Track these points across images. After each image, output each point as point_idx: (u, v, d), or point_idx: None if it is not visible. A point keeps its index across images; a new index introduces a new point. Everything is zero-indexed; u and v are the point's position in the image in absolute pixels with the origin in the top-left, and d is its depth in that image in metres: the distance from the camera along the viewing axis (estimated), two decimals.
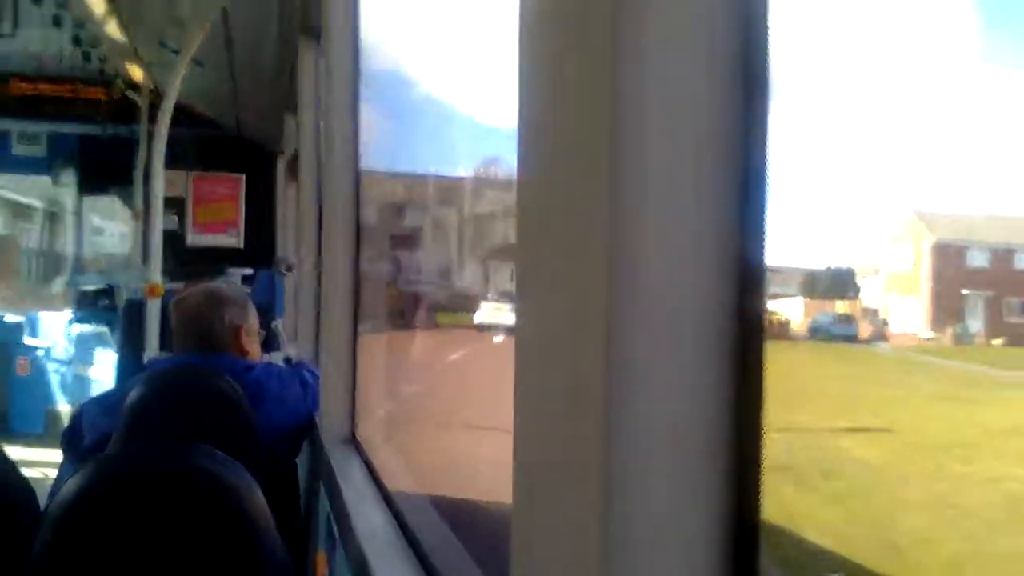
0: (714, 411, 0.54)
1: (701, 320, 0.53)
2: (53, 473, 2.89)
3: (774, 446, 0.55)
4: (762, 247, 0.55)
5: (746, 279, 0.55)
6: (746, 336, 0.55)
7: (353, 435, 2.20)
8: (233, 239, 6.74)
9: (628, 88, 0.52)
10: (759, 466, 0.55)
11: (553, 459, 0.58)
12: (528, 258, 0.64)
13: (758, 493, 0.55)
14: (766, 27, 0.55)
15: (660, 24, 0.52)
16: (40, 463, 5.55)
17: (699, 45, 0.53)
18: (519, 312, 0.65)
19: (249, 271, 5.71)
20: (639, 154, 0.52)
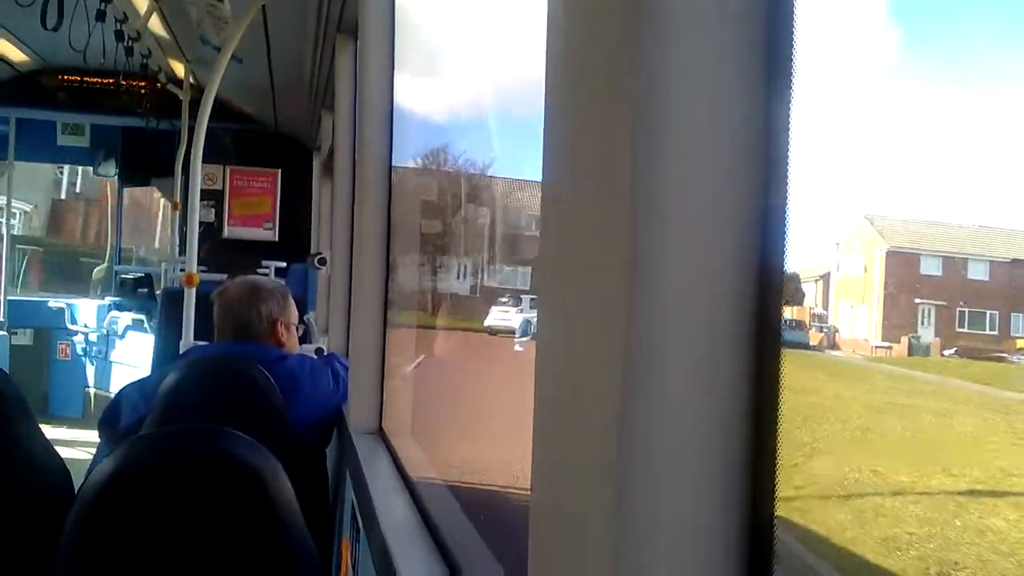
0: (731, 413, 0.56)
1: (719, 323, 0.55)
2: (88, 454, 2.97)
3: None
4: (782, 252, 0.56)
5: (764, 284, 0.56)
6: (763, 341, 0.56)
7: (380, 427, 2.25)
8: (268, 233, 6.83)
9: (651, 95, 0.54)
10: (775, 469, 0.56)
11: (570, 457, 0.60)
12: (550, 259, 0.66)
13: (773, 497, 0.57)
14: (792, 31, 0.56)
15: (683, 34, 0.55)
16: (78, 443, 5.68)
17: (724, 50, 0.55)
18: (540, 313, 0.67)
19: (283, 264, 5.79)
20: (661, 159, 0.54)
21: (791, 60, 0.56)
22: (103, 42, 3.95)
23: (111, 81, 5.29)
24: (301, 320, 2.79)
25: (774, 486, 0.56)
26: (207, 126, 3.63)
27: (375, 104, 2.34)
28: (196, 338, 3.54)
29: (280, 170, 6.84)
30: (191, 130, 4.61)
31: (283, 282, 3.55)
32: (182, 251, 6.10)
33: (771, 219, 0.56)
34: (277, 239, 6.81)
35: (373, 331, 2.30)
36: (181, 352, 3.31)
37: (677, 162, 0.54)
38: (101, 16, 3.76)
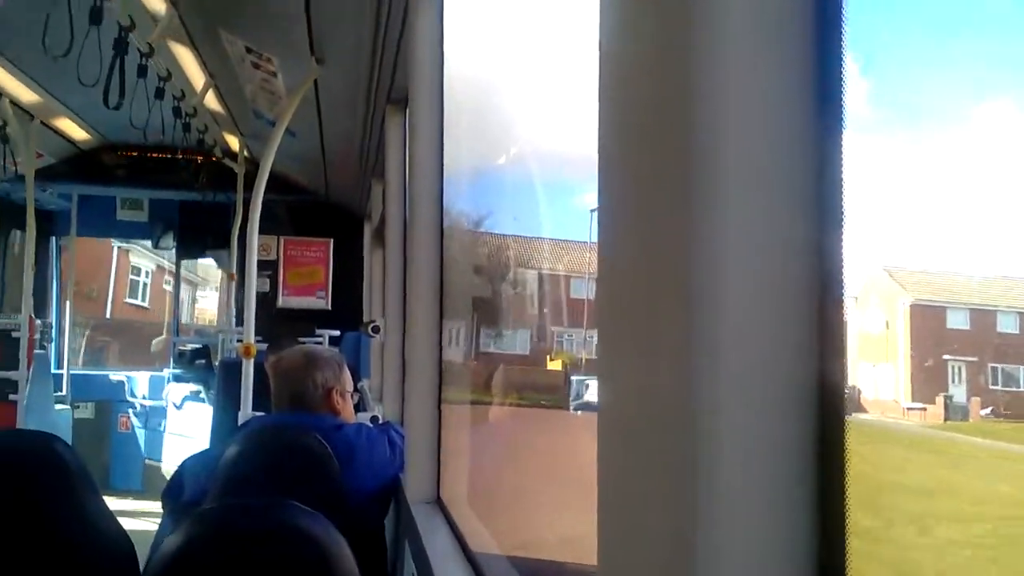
0: (800, 473, 0.54)
1: (783, 372, 0.54)
2: (150, 525, 2.99)
3: None
4: (841, 312, 0.55)
5: (826, 350, 0.55)
6: (826, 394, 0.55)
7: (438, 496, 2.23)
8: (321, 301, 6.92)
9: (704, 150, 0.53)
10: (844, 520, 0.54)
11: (637, 529, 0.59)
12: (608, 319, 0.65)
13: (843, 550, 0.54)
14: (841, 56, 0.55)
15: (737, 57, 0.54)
16: (139, 515, 5.73)
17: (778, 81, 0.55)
18: (600, 377, 0.66)
19: (336, 332, 5.84)
20: (718, 200, 0.53)
21: (841, 99, 0.55)
22: (162, 119, 4.08)
23: (169, 156, 5.45)
24: (355, 388, 2.80)
25: (844, 543, 0.55)
26: (262, 198, 3.72)
27: (425, 172, 2.37)
28: (254, 408, 3.57)
29: (332, 239, 6.95)
30: (246, 202, 4.72)
31: (337, 350, 3.57)
32: (239, 322, 6.21)
33: (830, 267, 0.55)
34: (330, 307, 6.89)
35: (428, 399, 2.29)
36: (240, 423, 3.34)
37: (734, 215, 0.53)
38: (160, 94, 3.89)
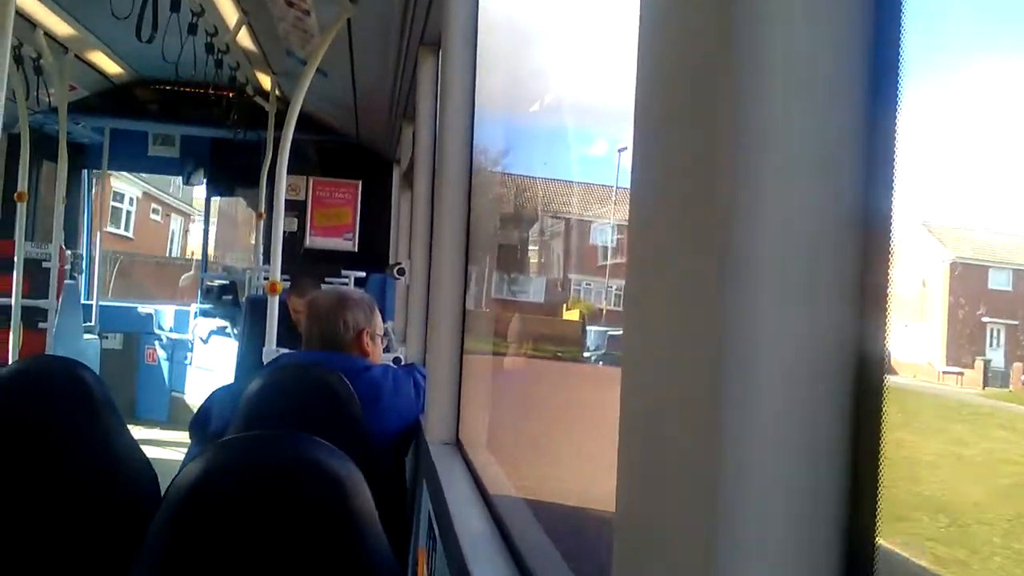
0: (831, 442, 0.54)
1: (818, 342, 0.54)
2: (174, 455, 3.06)
3: None
4: (886, 266, 0.54)
5: (868, 302, 0.54)
6: (865, 362, 0.54)
7: (457, 438, 2.25)
8: (348, 243, 6.95)
9: (746, 97, 0.52)
10: (877, 489, 0.54)
11: (658, 473, 0.59)
12: (638, 264, 0.65)
13: (874, 521, 0.55)
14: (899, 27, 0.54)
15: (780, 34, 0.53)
16: (163, 444, 5.85)
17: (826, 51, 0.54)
18: (626, 322, 0.66)
19: (362, 274, 5.88)
20: (756, 165, 0.52)
21: (898, 61, 0.54)
22: (194, 55, 4.07)
23: (201, 93, 5.45)
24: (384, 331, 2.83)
25: (875, 508, 0.54)
26: (292, 138, 3.72)
27: (456, 116, 2.36)
28: (279, 344, 3.61)
29: (361, 181, 6.96)
30: (276, 141, 4.73)
31: (365, 292, 3.59)
32: (266, 260, 6.25)
33: (874, 229, 0.54)
34: (356, 249, 6.92)
35: (450, 342, 2.31)
36: (264, 359, 3.38)
37: (772, 167, 0.53)
38: (193, 29, 3.88)
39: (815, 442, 0.53)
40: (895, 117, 0.54)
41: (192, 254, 15.14)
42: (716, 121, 0.54)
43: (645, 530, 0.61)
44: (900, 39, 0.54)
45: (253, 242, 7.06)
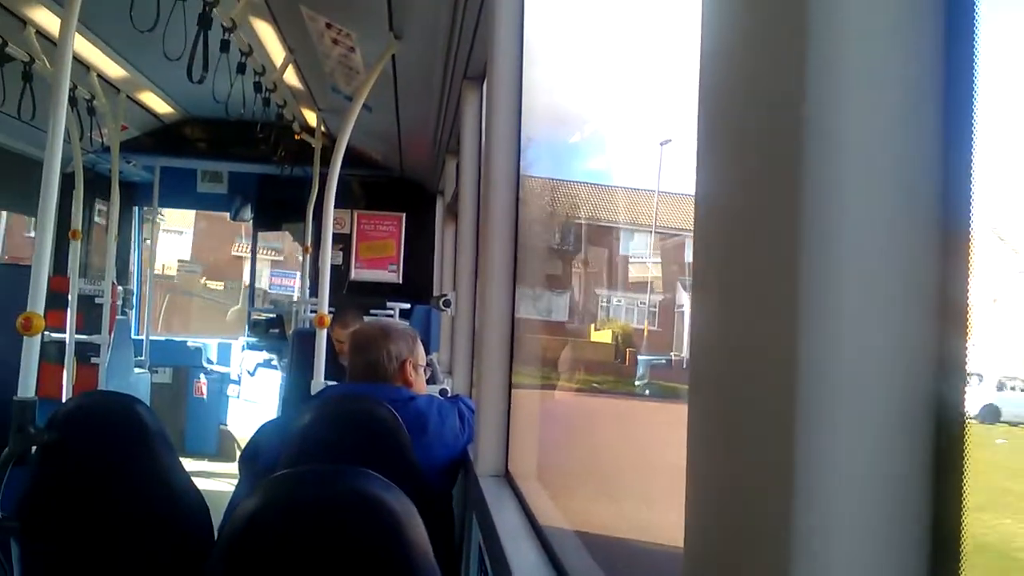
0: (912, 482, 0.52)
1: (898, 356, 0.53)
2: (223, 486, 3.08)
3: None
4: (965, 282, 0.52)
5: (948, 315, 0.52)
6: (945, 387, 0.53)
7: (507, 470, 2.24)
8: (393, 274, 7.00)
9: (819, 99, 0.52)
10: (960, 529, 0.52)
11: (730, 508, 0.58)
12: (704, 269, 0.64)
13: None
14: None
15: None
16: (213, 476, 5.91)
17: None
18: (695, 348, 0.65)
19: (407, 305, 5.91)
20: (832, 178, 0.51)
21: (973, 62, 0.52)
22: (243, 93, 4.16)
23: (249, 130, 5.56)
24: (427, 362, 2.84)
25: (959, 541, 0.53)
26: (338, 172, 3.77)
27: (501, 147, 2.37)
28: (327, 377, 3.64)
29: (404, 214, 7.02)
30: (322, 176, 4.79)
31: (407, 324, 3.62)
32: (312, 292, 6.32)
33: (954, 238, 0.52)
34: (401, 280, 6.97)
35: (499, 373, 2.30)
36: (312, 391, 3.41)
37: (848, 175, 0.51)
38: (241, 69, 3.97)
39: (894, 474, 0.52)
40: (972, 121, 0.52)
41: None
42: (787, 125, 0.53)
43: (715, 565, 0.60)
44: (975, 38, 0.53)
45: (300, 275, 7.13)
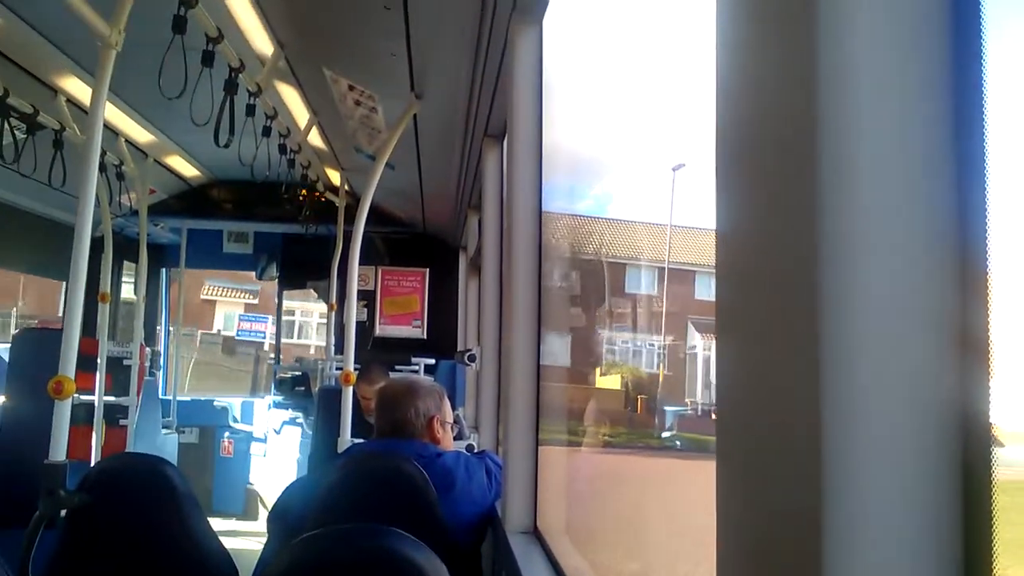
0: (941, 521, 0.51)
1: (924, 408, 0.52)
2: (250, 545, 3.07)
3: None
4: (986, 316, 0.52)
5: (969, 351, 0.52)
6: (971, 420, 0.52)
7: (535, 526, 2.22)
8: (417, 330, 7.03)
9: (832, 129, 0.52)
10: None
11: (760, 565, 0.58)
12: (728, 311, 0.64)
13: None
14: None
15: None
16: (240, 535, 5.88)
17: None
18: (722, 395, 0.65)
19: (431, 361, 5.92)
20: (849, 195, 0.51)
21: (982, 93, 0.53)
22: (268, 156, 4.23)
23: (274, 191, 5.64)
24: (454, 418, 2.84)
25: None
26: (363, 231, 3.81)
27: (523, 203, 2.39)
28: (354, 435, 3.64)
29: (428, 269, 7.07)
30: (346, 234, 4.84)
31: (433, 380, 3.62)
32: (338, 350, 6.35)
33: (972, 261, 0.52)
34: (426, 336, 6.99)
35: (526, 428, 2.30)
36: (339, 449, 3.41)
37: (863, 199, 0.51)
38: (267, 132, 4.04)
39: (926, 524, 0.52)
40: (984, 152, 0.53)
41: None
42: (803, 151, 0.54)
43: None
44: (983, 70, 0.53)
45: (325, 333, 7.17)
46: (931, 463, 0.52)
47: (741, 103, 0.63)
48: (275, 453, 7.22)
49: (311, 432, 5.82)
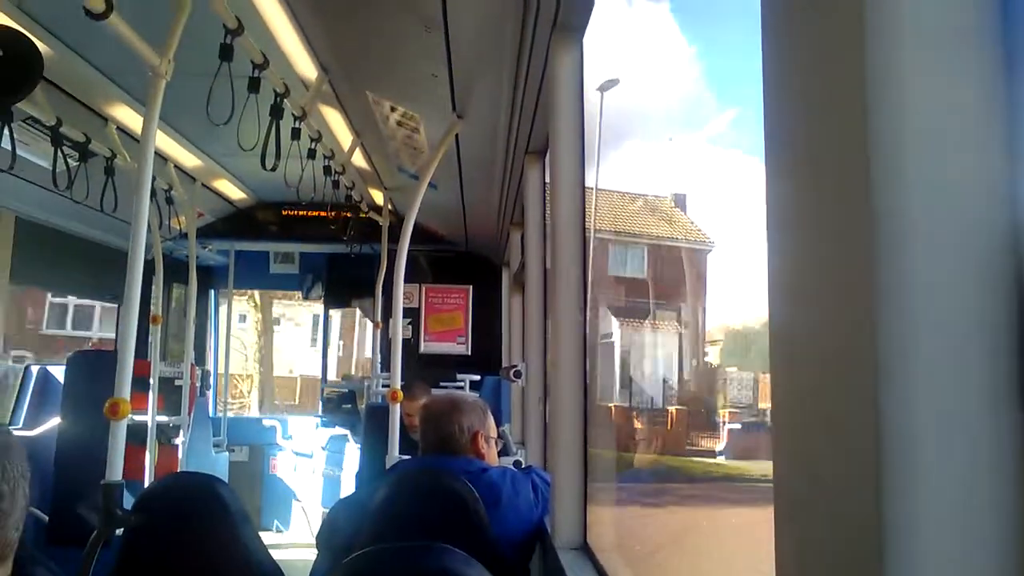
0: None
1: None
2: (300, 564, 3.10)
3: None
4: None
5: None
6: None
7: (585, 542, 2.22)
8: (461, 346, 7.06)
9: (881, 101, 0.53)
10: None
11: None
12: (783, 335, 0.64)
13: None
14: None
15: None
16: (289, 550, 5.92)
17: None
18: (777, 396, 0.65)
19: (476, 377, 5.94)
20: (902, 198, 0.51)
21: None
22: (313, 177, 4.30)
23: (319, 213, 5.72)
24: (498, 433, 2.84)
25: None
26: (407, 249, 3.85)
27: (567, 218, 2.40)
28: (402, 452, 3.66)
29: (471, 286, 7.11)
30: (391, 253, 4.90)
31: (477, 396, 3.63)
32: (384, 367, 6.40)
33: None
34: (470, 352, 7.02)
35: (574, 443, 2.29)
36: (388, 466, 3.43)
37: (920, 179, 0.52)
38: (312, 154, 4.11)
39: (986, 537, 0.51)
40: None
41: None
42: (854, 172, 0.54)
43: None
44: None
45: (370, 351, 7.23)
46: (1000, 466, 0.51)
47: (789, 98, 0.64)
48: (325, 471, 7.29)
49: (358, 449, 5.87)
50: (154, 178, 4.76)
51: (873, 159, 0.52)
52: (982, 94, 0.53)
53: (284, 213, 6.61)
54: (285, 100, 3.35)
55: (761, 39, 0.67)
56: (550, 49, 2.36)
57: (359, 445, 5.75)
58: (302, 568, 2.60)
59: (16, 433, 4.24)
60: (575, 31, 2.33)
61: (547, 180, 3.03)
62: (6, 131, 3.23)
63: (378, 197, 5.98)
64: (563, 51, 2.35)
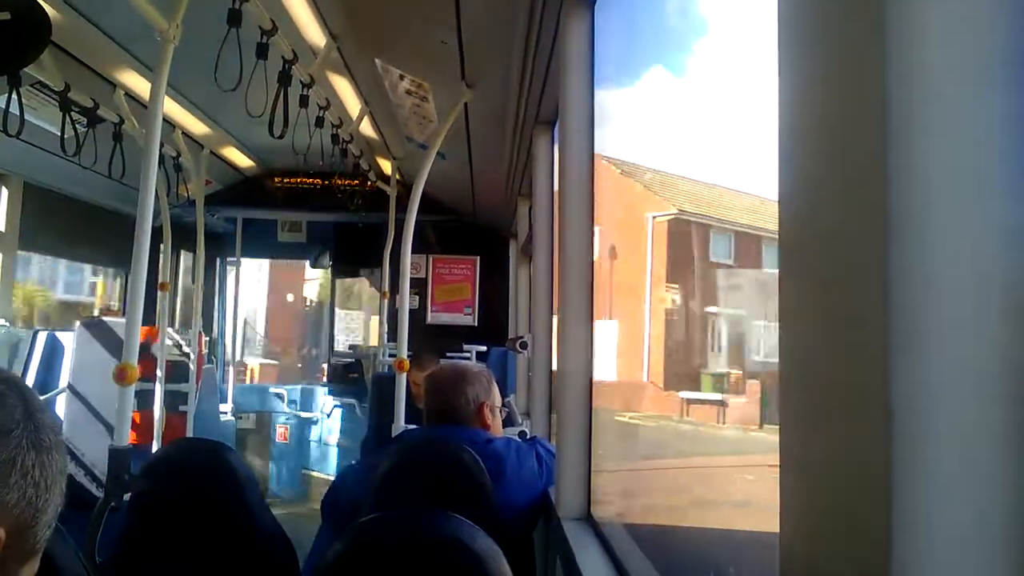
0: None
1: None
2: (305, 530, 3.13)
3: None
4: None
5: None
6: None
7: (589, 512, 2.23)
8: (468, 317, 7.07)
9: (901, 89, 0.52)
10: None
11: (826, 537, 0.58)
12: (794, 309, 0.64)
13: None
14: None
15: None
16: (295, 519, 5.98)
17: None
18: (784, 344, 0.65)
19: (483, 348, 5.94)
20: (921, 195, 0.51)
21: None
22: (321, 146, 4.28)
23: (327, 181, 5.70)
24: (503, 403, 2.84)
25: None
26: (415, 219, 3.84)
27: (576, 188, 2.39)
28: (407, 421, 3.67)
29: (478, 257, 7.10)
30: (398, 223, 4.89)
31: (484, 366, 3.63)
32: (391, 337, 6.41)
33: None
34: (476, 323, 7.03)
35: (579, 414, 2.30)
36: (393, 435, 3.44)
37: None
38: (320, 123, 4.09)
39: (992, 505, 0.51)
40: None
41: None
42: (869, 168, 0.53)
43: None
44: None
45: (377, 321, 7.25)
46: (1006, 451, 0.51)
47: (805, 97, 0.63)
48: (331, 439, 7.33)
49: (363, 418, 5.90)
50: (162, 144, 4.76)
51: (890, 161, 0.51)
52: (1001, 86, 0.52)
53: (292, 182, 6.60)
54: (293, 67, 3.33)
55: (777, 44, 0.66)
56: (561, 17, 2.34)
57: (363, 415, 5.78)
58: (307, 534, 2.61)
59: None
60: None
61: (556, 151, 3.01)
62: (14, 96, 3.22)
63: (386, 167, 5.95)
64: (574, 20, 2.33)
